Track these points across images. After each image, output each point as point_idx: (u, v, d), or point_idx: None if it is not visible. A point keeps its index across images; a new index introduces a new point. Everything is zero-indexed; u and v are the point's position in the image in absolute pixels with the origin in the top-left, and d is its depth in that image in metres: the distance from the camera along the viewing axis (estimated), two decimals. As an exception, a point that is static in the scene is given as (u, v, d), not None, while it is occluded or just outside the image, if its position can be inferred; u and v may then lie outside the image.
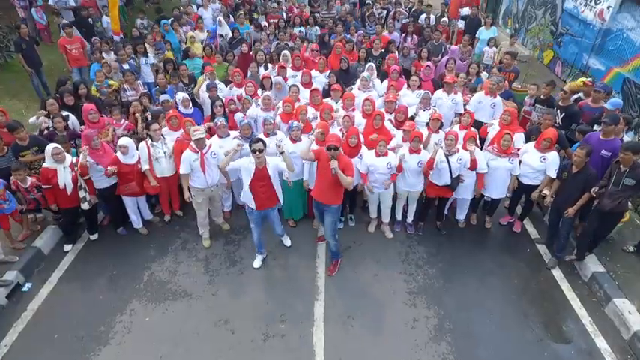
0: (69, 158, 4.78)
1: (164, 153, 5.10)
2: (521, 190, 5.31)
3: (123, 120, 5.61)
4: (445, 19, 10.81)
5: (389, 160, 4.87)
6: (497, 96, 6.15)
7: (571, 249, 5.22)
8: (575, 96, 6.05)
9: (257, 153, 4.22)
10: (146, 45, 8.08)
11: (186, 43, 8.88)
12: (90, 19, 9.95)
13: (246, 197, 4.51)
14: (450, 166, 4.89)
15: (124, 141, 4.86)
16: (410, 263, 5.13)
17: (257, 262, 5.01)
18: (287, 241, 5.25)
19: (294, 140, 4.94)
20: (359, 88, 6.25)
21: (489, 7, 14.68)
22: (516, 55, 7.52)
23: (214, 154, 4.78)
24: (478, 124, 5.97)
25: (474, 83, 6.97)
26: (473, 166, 4.88)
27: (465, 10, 11.06)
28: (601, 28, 8.97)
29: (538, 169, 4.98)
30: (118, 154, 4.89)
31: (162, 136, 5.11)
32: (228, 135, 5.10)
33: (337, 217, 4.69)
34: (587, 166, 4.59)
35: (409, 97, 6.26)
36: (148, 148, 5.04)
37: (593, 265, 4.93)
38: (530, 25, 12.32)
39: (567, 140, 5.48)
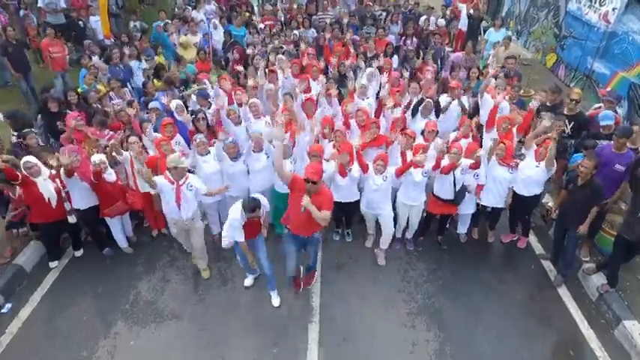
0: (45, 170, 4.51)
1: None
2: (517, 203, 5.02)
3: (106, 131, 5.34)
4: (442, 20, 10.57)
5: (386, 174, 4.63)
6: (498, 97, 5.96)
7: (578, 266, 5.01)
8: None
9: (254, 219, 3.96)
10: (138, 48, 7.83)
11: (178, 48, 8.67)
12: (81, 22, 9.69)
13: (236, 234, 4.07)
14: (454, 179, 4.66)
15: (99, 157, 4.50)
16: (409, 281, 4.90)
17: (248, 281, 4.77)
18: (276, 300, 4.54)
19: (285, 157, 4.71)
20: (357, 96, 5.96)
21: (490, 9, 14.44)
22: (516, 58, 7.33)
23: (191, 187, 4.31)
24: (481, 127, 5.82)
25: (475, 87, 6.75)
26: (476, 165, 4.66)
27: (470, 11, 10.79)
28: (606, 31, 8.74)
29: (530, 176, 4.73)
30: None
31: (143, 149, 4.83)
32: (209, 152, 4.79)
33: (320, 243, 4.46)
34: (594, 178, 4.34)
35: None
36: (132, 159, 4.77)
37: (599, 281, 4.69)
38: (533, 27, 12.09)
39: (575, 150, 5.26)
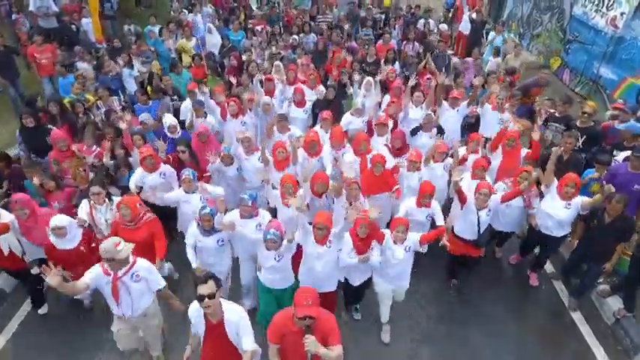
0: (5, 216, 3.88)
1: (105, 220, 4.09)
2: (536, 238, 4.56)
3: (95, 147, 4.95)
4: (444, 25, 10.34)
5: (408, 244, 3.72)
6: (506, 112, 5.69)
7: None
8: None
9: (206, 300, 2.63)
10: (131, 55, 7.56)
11: (176, 52, 8.41)
12: (74, 26, 9.41)
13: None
14: (478, 220, 4.10)
15: (60, 220, 3.62)
16: (412, 302, 4.61)
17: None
18: None
19: (268, 247, 3.48)
20: (351, 114, 5.55)
21: (492, 12, 14.19)
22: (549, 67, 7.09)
23: (137, 277, 3.19)
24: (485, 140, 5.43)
25: (478, 96, 6.49)
26: (508, 197, 4.16)
27: (473, 15, 10.59)
28: (613, 36, 8.48)
29: (562, 219, 4.18)
30: (52, 238, 3.69)
31: (107, 199, 4.12)
32: (195, 190, 4.20)
33: None
34: (625, 214, 3.95)
35: (413, 112, 5.74)
36: (91, 208, 4.08)
37: (616, 306, 4.43)
38: (536, 30, 11.84)
39: (586, 164, 4.99)
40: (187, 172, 4.19)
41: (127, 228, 3.78)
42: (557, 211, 4.17)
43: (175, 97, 6.35)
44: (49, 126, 5.38)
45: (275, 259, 3.51)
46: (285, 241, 3.44)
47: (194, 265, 3.82)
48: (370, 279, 3.98)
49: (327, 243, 3.54)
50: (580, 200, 4.11)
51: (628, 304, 4.29)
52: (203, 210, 3.75)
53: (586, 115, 5.05)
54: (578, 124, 5.15)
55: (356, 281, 3.92)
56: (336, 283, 3.83)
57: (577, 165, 4.69)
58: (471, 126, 5.97)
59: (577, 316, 4.52)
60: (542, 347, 4.20)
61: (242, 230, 3.71)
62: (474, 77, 6.72)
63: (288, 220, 3.99)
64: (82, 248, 3.77)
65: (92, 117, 5.78)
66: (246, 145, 4.70)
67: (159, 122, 5.42)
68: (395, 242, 3.67)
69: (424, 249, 3.74)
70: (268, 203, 4.43)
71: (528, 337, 4.31)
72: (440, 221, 4.14)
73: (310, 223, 3.52)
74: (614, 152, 4.80)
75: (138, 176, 4.47)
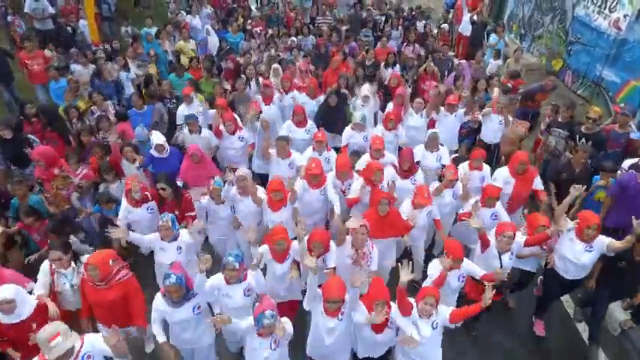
0: None
1: (71, 286, 3.48)
2: (556, 284, 4.02)
3: (81, 167, 4.64)
4: (445, 25, 10.27)
5: (436, 318, 3.07)
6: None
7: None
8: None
9: None
10: (127, 58, 7.45)
11: (174, 54, 8.30)
12: (69, 28, 9.29)
13: None
14: (501, 265, 3.61)
15: (8, 292, 3.00)
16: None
17: None
18: None
19: (262, 334, 2.87)
20: (352, 128, 5.19)
21: (493, 13, 14.10)
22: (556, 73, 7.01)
23: (88, 358, 2.69)
24: (486, 146, 5.57)
25: (483, 100, 6.40)
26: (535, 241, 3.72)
27: (473, 17, 10.52)
28: (616, 38, 8.39)
29: (584, 263, 3.72)
30: None
31: (73, 262, 3.50)
32: (175, 239, 3.66)
33: None
34: None
35: (413, 119, 5.65)
36: (52, 273, 3.46)
37: (622, 316, 4.35)
38: (537, 32, 11.75)
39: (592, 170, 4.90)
40: (166, 218, 3.57)
41: (97, 287, 3.26)
42: (577, 255, 3.69)
43: (174, 101, 6.23)
44: (30, 136, 5.21)
45: (271, 346, 2.82)
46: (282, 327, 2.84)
47: (160, 340, 3.19)
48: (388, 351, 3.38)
49: (339, 315, 3.04)
50: (604, 241, 3.64)
51: (635, 315, 4.20)
52: (167, 280, 2.97)
53: (591, 120, 4.96)
54: (583, 129, 5.07)
55: (375, 354, 3.33)
56: (349, 357, 3.37)
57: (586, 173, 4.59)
58: (473, 131, 5.88)
59: (582, 327, 4.43)
60: (545, 359, 4.12)
61: (236, 325, 2.92)
62: (477, 81, 6.64)
63: (281, 276, 3.56)
64: (33, 325, 3.08)
65: (87, 122, 5.67)
66: (241, 185, 4.00)
67: (152, 129, 5.28)
68: (420, 315, 3.03)
69: (455, 326, 3.26)
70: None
71: (531, 347, 4.22)
72: (479, 274, 3.52)
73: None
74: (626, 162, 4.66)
75: (124, 210, 4.07)
